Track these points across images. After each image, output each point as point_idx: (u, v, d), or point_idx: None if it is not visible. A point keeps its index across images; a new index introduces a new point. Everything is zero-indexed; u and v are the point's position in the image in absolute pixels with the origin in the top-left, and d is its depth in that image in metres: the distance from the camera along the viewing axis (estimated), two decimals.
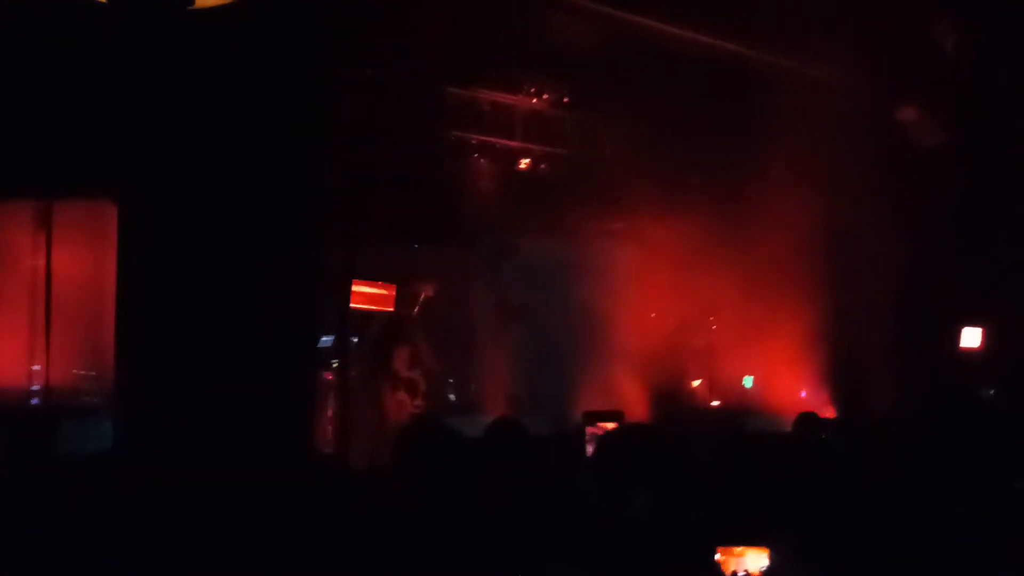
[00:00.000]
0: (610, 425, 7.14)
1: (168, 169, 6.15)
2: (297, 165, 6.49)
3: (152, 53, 5.76)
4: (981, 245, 11.11)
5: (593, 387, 10.87)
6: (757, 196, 10.70)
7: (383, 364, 11.06)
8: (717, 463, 4.96)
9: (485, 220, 11.50)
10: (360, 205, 10.17)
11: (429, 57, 9.97)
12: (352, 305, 10.92)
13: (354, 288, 10.62)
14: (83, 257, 8.76)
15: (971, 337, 12.01)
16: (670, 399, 11.61)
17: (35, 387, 8.73)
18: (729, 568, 3.31)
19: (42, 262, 8.55)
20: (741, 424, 9.32)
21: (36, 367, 8.69)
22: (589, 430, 7.62)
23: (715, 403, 12.39)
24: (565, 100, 11.42)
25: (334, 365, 10.30)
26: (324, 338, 10.18)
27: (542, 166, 11.63)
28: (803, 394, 11.60)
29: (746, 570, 3.33)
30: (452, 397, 12.05)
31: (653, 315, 12.03)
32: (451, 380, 12.23)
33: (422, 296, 11.85)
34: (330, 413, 10.20)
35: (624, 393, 10.88)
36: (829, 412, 10.44)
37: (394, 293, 11.44)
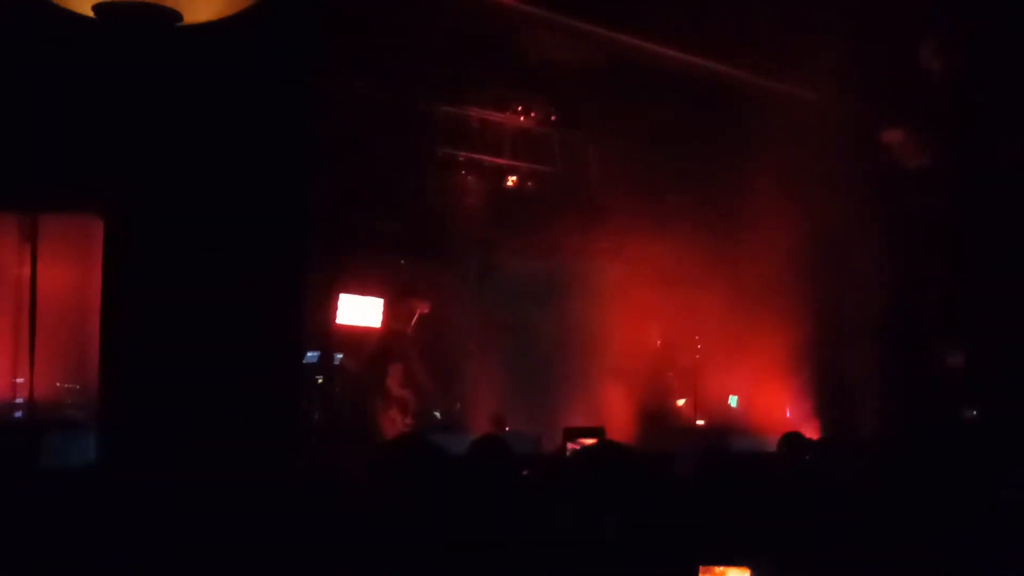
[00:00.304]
0: (589, 441, 7.14)
1: (154, 184, 6.14)
2: (284, 181, 6.49)
3: (139, 66, 5.78)
4: (965, 266, 11.15)
5: (579, 405, 10.85)
6: (743, 215, 10.74)
7: (376, 381, 11.03)
8: (701, 482, 4.96)
9: (472, 237, 11.51)
10: (347, 221, 10.18)
11: (417, 74, 10.02)
12: (338, 321, 10.92)
13: (341, 302, 10.60)
14: (68, 270, 8.74)
15: (954, 358, 12.04)
16: (655, 418, 11.59)
17: (18, 400, 8.70)
18: None
19: (27, 274, 8.54)
20: (725, 443, 9.32)
21: (19, 380, 8.66)
22: (570, 446, 7.61)
23: (700, 422, 12.36)
24: (552, 118, 11.48)
25: (319, 381, 10.27)
26: (309, 353, 10.15)
27: (529, 183, 11.67)
28: (788, 413, 11.62)
29: None
30: (437, 415, 12.02)
31: (639, 334, 12.03)
32: (437, 397, 12.19)
33: (417, 313, 11.82)
34: (316, 426, 10.16)
35: (609, 411, 10.84)
36: (814, 432, 10.44)
37: (383, 308, 11.40)
